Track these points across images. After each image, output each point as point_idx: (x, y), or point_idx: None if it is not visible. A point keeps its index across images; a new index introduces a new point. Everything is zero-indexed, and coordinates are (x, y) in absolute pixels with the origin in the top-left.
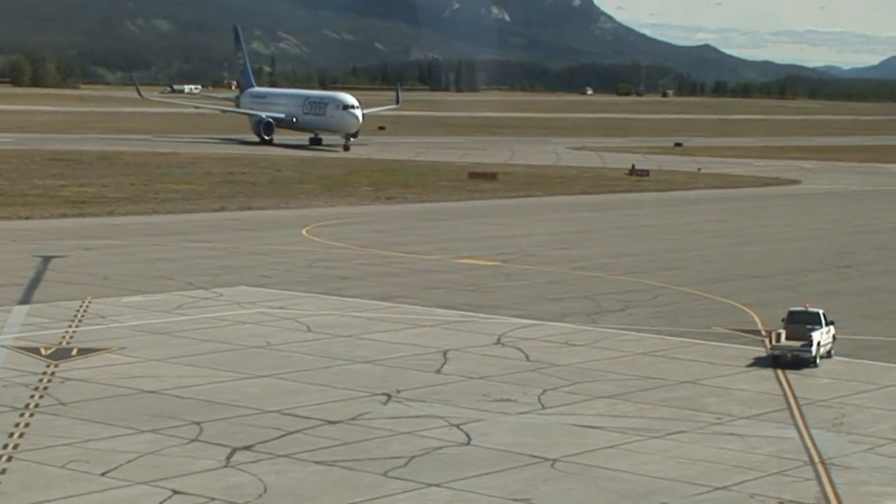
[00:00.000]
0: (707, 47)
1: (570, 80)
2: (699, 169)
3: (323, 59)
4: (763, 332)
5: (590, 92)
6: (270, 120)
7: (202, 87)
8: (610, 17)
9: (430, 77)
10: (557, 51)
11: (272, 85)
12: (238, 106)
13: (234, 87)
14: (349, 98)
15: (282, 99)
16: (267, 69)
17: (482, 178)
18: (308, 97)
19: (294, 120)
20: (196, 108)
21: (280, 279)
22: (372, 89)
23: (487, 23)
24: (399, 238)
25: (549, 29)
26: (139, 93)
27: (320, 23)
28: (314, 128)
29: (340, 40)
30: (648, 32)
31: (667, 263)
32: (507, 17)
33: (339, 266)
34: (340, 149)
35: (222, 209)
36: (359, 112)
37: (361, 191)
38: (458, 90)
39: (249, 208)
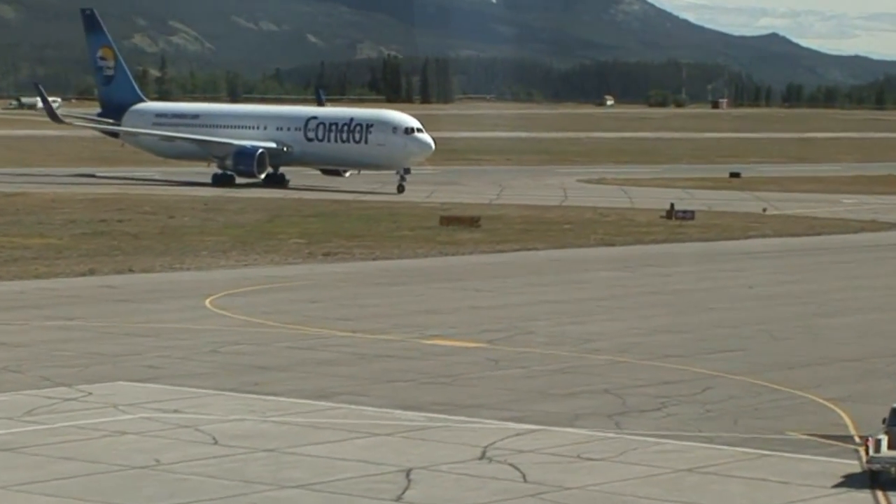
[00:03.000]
0: (775, 37)
1: (583, 86)
2: (765, 210)
3: (234, 57)
4: (857, 439)
5: (610, 102)
6: (264, 150)
7: (63, 99)
8: None
9: (385, 82)
10: (564, 44)
11: (162, 97)
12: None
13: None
14: (408, 118)
15: (244, 120)
16: (154, 73)
17: (459, 225)
18: (314, 116)
19: (285, 149)
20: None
21: (174, 370)
22: (304, 100)
23: (466, 7)
24: (342, 311)
25: (552, 15)
26: (52, 114)
27: (229, 8)
28: (329, 161)
29: (258, 32)
30: (692, 18)
31: (719, 343)
32: None
33: (258, 351)
34: (308, 187)
35: (91, 272)
36: (429, 137)
37: (289, 244)
38: (426, 100)
39: (130, 270)
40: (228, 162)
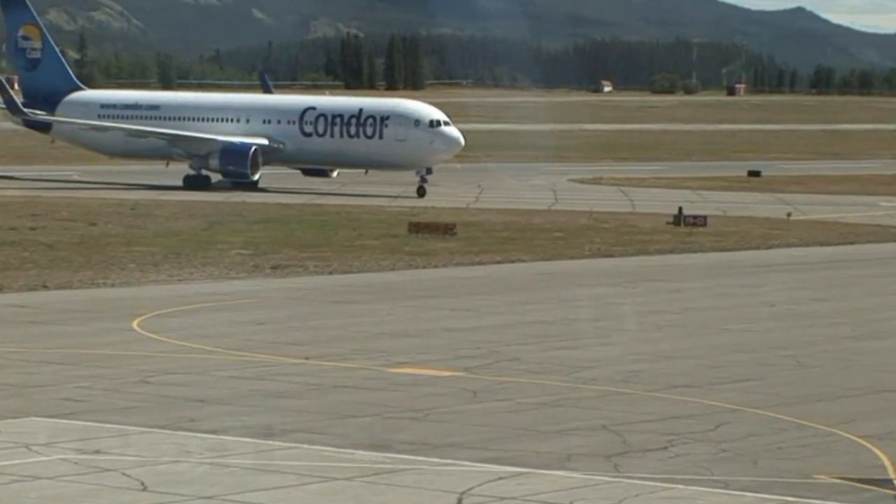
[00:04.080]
0: (801, 12)
1: (577, 69)
2: (789, 214)
3: (166, 36)
4: None
5: (608, 88)
6: (257, 147)
7: None
8: None
9: (343, 65)
10: (554, 21)
11: (82, 82)
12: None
13: (16, 87)
14: (432, 109)
15: (220, 111)
16: (73, 55)
17: (431, 233)
18: (311, 107)
19: (279, 146)
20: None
21: (95, 404)
22: (248, 86)
23: None
24: (293, 334)
25: None
26: (13, 104)
27: None
28: (333, 160)
29: (195, 6)
30: None
31: (736, 371)
32: None
33: (194, 381)
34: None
35: None
36: (457, 131)
37: (231, 256)
38: (391, 86)
39: (45, 287)
40: (213, 161)
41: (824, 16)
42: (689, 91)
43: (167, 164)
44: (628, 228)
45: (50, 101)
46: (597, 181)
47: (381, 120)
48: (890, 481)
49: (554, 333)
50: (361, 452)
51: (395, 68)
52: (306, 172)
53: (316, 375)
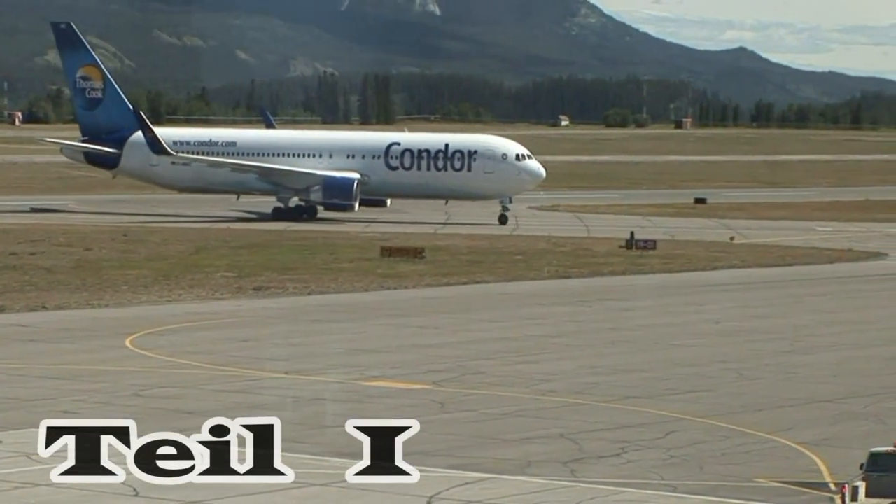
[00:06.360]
0: (742, 52)
1: (535, 105)
2: (732, 238)
3: (156, 75)
4: (832, 486)
5: (565, 122)
6: (358, 180)
7: None
8: (594, 8)
9: (320, 101)
10: (515, 61)
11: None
12: (116, 161)
13: (17, 123)
14: (515, 144)
15: (301, 147)
16: (67, 91)
17: (402, 256)
18: (396, 142)
19: (365, 179)
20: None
21: (91, 416)
22: (232, 122)
23: (407, 19)
24: (275, 350)
25: (501, 28)
26: (157, 143)
27: (150, 21)
28: (418, 192)
29: (183, 47)
30: (652, 31)
31: (684, 383)
32: (437, 10)
33: (183, 395)
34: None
35: (1, 310)
36: (539, 164)
37: (216, 278)
38: (364, 121)
39: (43, 308)
40: (315, 194)
41: (764, 55)
42: (639, 125)
43: (238, 198)
44: (584, 252)
45: (112, 138)
46: (554, 208)
47: (470, 154)
48: (826, 484)
49: (516, 349)
50: (336, 460)
51: (368, 104)
52: (361, 203)
53: (295, 388)
